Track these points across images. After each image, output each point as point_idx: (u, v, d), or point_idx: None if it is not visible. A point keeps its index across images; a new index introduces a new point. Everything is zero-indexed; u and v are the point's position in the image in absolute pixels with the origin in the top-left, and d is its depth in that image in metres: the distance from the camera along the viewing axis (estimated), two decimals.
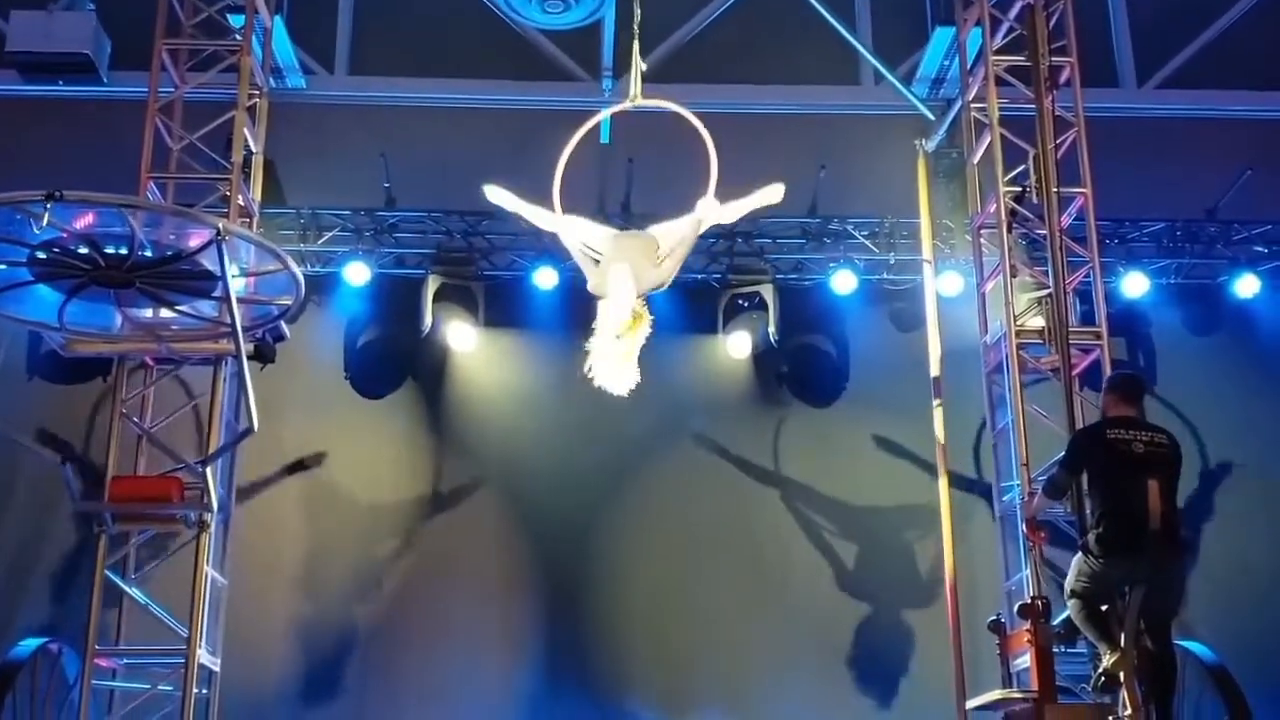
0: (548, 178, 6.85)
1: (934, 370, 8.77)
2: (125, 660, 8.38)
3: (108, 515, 8.06)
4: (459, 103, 10.74)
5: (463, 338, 10.44)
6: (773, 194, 6.82)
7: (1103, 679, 6.50)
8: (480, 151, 10.48)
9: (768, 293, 10.42)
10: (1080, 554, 6.74)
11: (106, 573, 8.12)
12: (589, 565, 10.25)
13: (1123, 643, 6.52)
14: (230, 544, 8.99)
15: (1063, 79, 8.91)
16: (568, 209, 6.81)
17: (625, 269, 6.36)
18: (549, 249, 10.43)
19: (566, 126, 7.04)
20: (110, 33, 9.78)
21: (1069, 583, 6.79)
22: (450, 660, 9.92)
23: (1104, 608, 6.66)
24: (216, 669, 8.58)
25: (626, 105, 7.09)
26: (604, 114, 7.32)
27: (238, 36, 9.14)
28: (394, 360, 10.62)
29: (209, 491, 7.98)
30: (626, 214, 10.23)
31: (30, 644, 8.00)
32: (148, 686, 8.34)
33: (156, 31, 9.08)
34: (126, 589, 8.37)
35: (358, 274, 10.39)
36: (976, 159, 9.35)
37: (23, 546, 9.93)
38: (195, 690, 7.98)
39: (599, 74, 10.65)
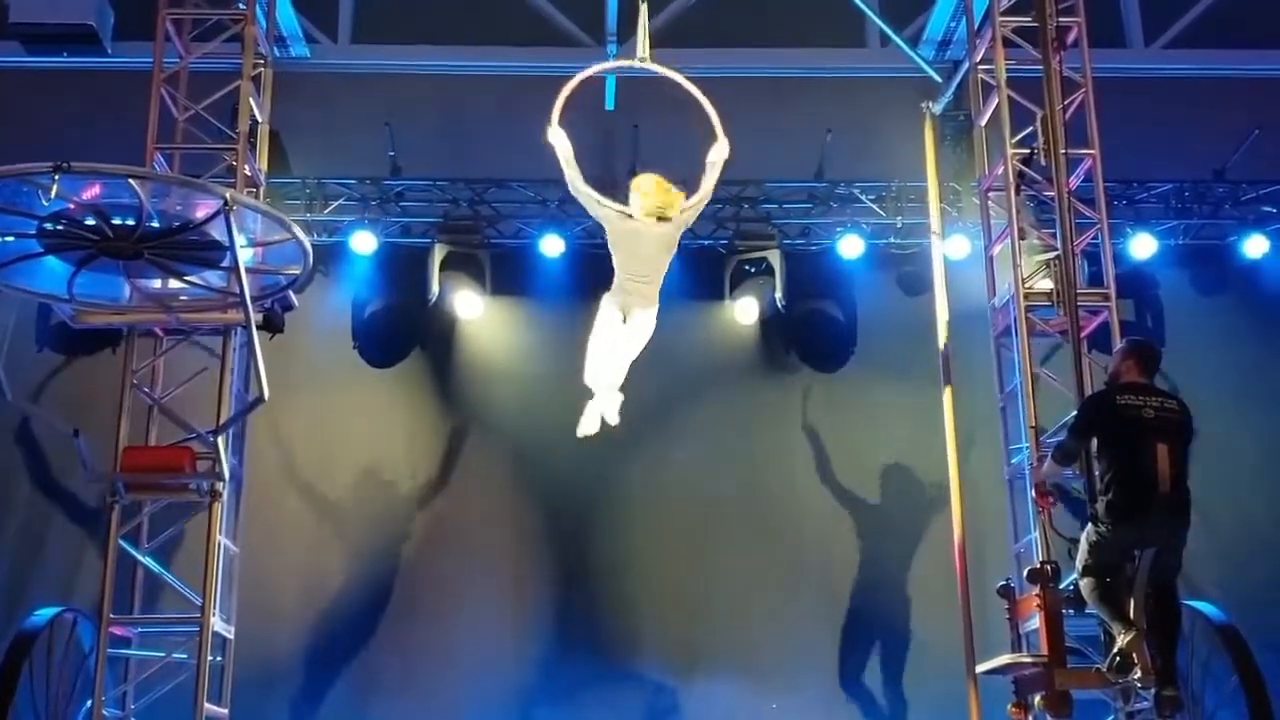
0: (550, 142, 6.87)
1: (941, 334, 8.76)
2: (140, 629, 8.44)
3: (120, 485, 8.10)
4: (463, 70, 10.71)
5: (470, 306, 10.45)
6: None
7: (1117, 659, 6.50)
8: (485, 118, 10.47)
9: (774, 258, 10.40)
10: (1089, 525, 6.75)
11: (120, 542, 8.17)
12: (598, 531, 10.30)
13: (1132, 614, 6.53)
14: (242, 513, 9.05)
15: (1070, 39, 8.84)
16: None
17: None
18: (556, 216, 10.44)
19: (572, 92, 7.03)
20: (113, 3, 9.74)
21: (1079, 559, 6.80)
22: (461, 626, 9.98)
23: (1110, 580, 6.65)
24: (231, 637, 8.65)
25: (634, 63, 7.14)
26: (608, 65, 7.36)
27: (241, 5, 9.11)
28: (401, 329, 10.63)
29: (221, 461, 8.02)
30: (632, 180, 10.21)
31: (46, 613, 8.05)
32: (163, 654, 8.41)
33: (160, 1, 9.05)
34: (140, 558, 8.43)
35: (364, 243, 10.39)
36: (984, 121, 9.31)
37: (37, 517, 10.00)
38: (210, 658, 8.04)
39: (604, 39, 10.60)
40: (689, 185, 7.05)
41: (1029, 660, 7.42)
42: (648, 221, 6.86)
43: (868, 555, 10.33)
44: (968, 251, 10.08)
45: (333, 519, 10.25)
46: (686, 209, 6.97)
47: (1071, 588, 7.15)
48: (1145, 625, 6.54)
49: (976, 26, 9.44)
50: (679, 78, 7.12)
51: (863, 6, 10.06)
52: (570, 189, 6.95)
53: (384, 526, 10.28)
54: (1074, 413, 7.35)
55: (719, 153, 7.03)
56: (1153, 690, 6.60)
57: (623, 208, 6.94)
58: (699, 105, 7.07)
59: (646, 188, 6.91)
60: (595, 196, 6.91)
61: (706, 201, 7.17)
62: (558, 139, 6.88)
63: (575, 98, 6.93)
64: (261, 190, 9.17)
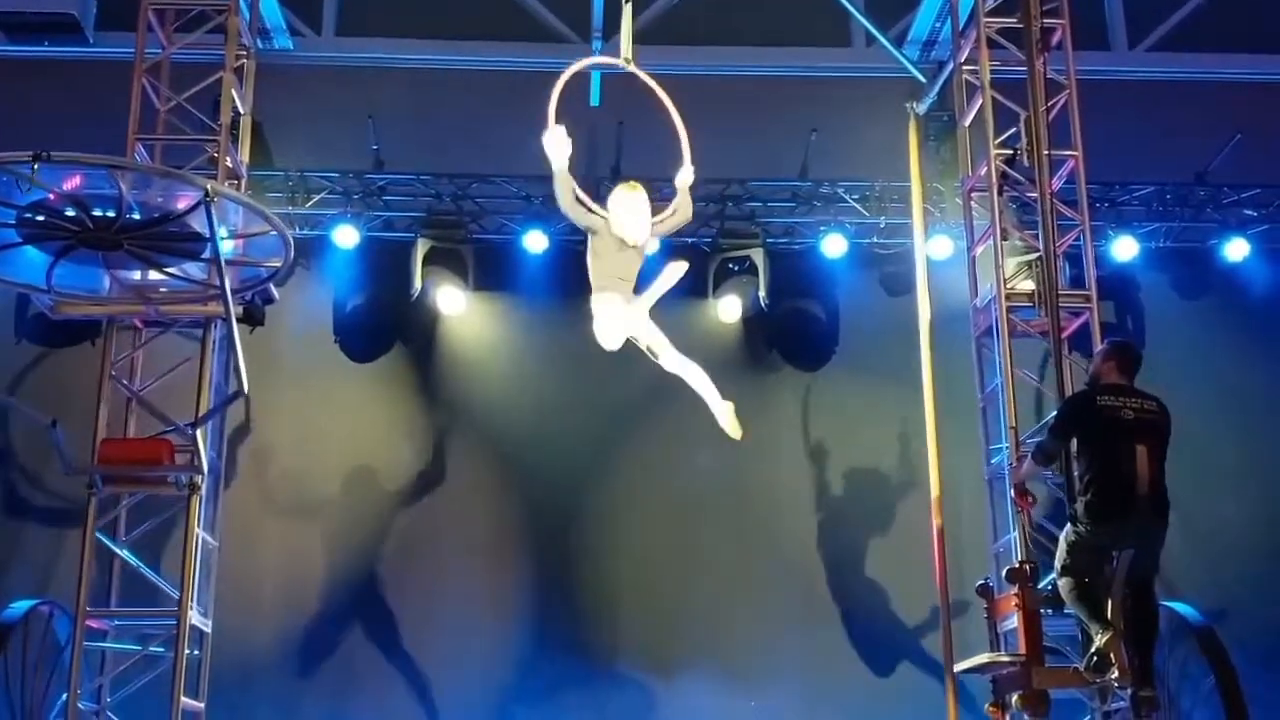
0: (537, 139, 6.80)
1: (923, 334, 8.78)
2: (116, 622, 8.39)
3: (98, 477, 8.05)
4: (448, 64, 10.68)
5: (452, 301, 10.43)
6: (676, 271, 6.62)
7: (1095, 659, 6.53)
8: (469, 114, 10.45)
9: (758, 256, 10.41)
10: (1068, 525, 6.77)
11: (97, 535, 8.12)
12: (579, 527, 10.29)
13: (1110, 614, 6.56)
14: (221, 506, 9.01)
15: (1054, 41, 8.87)
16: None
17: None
18: (539, 212, 10.43)
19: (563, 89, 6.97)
20: None
21: (1057, 559, 6.83)
22: (441, 622, 9.97)
23: (1088, 580, 6.68)
24: (208, 630, 8.62)
25: (619, 62, 7.06)
26: (591, 62, 7.20)
27: None
28: (383, 324, 10.59)
29: (199, 454, 7.98)
30: (616, 177, 10.18)
31: (21, 606, 8.02)
32: (139, 648, 8.38)
33: None
34: (117, 551, 8.38)
35: (346, 237, 10.35)
36: (968, 122, 9.32)
37: (13, 509, 9.95)
38: (186, 651, 8.00)
39: (589, 35, 10.58)
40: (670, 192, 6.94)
41: (1007, 659, 7.43)
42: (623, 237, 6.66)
43: (847, 553, 10.35)
44: (950, 252, 10.10)
45: (312, 513, 10.22)
46: (659, 226, 6.80)
47: (1050, 587, 7.18)
48: (1123, 625, 6.57)
49: (961, 27, 9.45)
50: (661, 92, 6.98)
51: (848, 6, 10.05)
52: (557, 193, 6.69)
53: (364, 521, 10.25)
54: (1054, 413, 7.37)
55: (684, 178, 6.79)
56: (1129, 690, 6.63)
57: (600, 211, 6.72)
58: (686, 104, 7.00)
59: (621, 205, 6.60)
60: (584, 208, 6.61)
61: (684, 223, 6.98)
62: (556, 142, 6.43)
63: (564, 93, 6.87)
64: (243, 182, 9.12)
